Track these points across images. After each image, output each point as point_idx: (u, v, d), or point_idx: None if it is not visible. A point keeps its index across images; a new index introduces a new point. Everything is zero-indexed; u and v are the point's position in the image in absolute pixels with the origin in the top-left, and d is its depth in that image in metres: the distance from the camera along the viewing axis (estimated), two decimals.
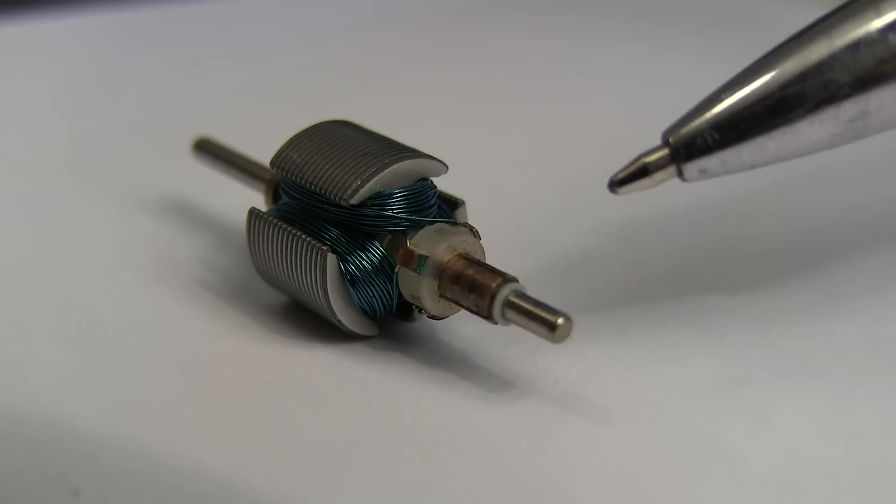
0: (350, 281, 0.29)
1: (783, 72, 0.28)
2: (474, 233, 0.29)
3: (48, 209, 0.39)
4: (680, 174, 0.28)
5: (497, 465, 0.26)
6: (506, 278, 0.27)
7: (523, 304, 0.27)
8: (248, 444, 0.27)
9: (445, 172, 0.30)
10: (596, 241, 0.33)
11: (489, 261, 0.29)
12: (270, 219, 0.30)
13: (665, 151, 0.28)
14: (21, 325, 0.31)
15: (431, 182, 0.30)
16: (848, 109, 0.28)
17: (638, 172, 0.28)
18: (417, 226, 0.29)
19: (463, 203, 0.31)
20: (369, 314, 0.30)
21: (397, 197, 0.29)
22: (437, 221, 0.29)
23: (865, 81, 0.28)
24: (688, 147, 0.28)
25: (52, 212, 0.39)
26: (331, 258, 0.29)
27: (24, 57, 0.54)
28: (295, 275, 0.29)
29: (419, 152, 0.30)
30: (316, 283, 0.29)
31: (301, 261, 0.29)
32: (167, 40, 0.57)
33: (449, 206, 0.30)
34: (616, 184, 0.28)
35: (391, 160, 0.29)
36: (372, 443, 0.27)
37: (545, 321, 0.26)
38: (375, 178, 0.29)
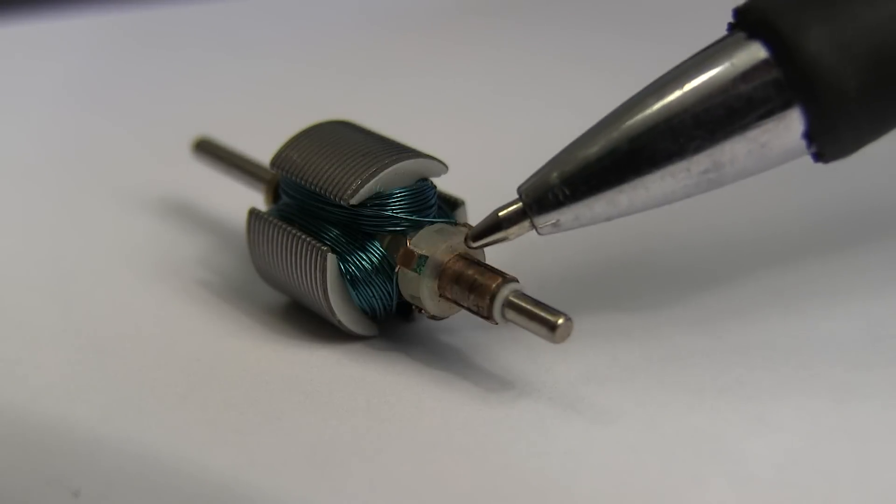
0: (350, 281, 0.29)
1: (632, 125, 0.27)
2: None
3: (48, 209, 0.39)
4: (534, 227, 0.28)
5: (497, 465, 0.26)
6: (506, 278, 0.27)
7: (523, 304, 0.27)
8: (248, 444, 0.27)
9: (445, 172, 0.30)
10: (596, 241, 0.33)
11: (489, 261, 0.29)
12: (270, 219, 0.30)
13: (518, 206, 0.28)
14: (21, 325, 0.32)
15: (431, 182, 0.30)
16: (700, 162, 0.27)
17: (492, 227, 0.28)
18: (417, 226, 0.29)
19: (463, 203, 0.31)
20: (369, 314, 0.30)
21: (397, 197, 0.29)
22: (437, 221, 0.29)
23: (716, 133, 0.27)
24: (539, 202, 0.28)
25: (53, 212, 0.39)
26: (331, 258, 0.29)
27: (25, 57, 0.54)
28: (295, 275, 0.29)
29: (419, 152, 0.30)
30: (316, 283, 0.29)
31: (301, 261, 0.29)
32: (167, 40, 0.57)
33: (449, 206, 0.31)
34: (471, 238, 0.28)
35: (391, 160, 0.29)
36: (372, 443, 0.27)
37: (545, 321, 0.26)
38: (375, 178, 0.29)
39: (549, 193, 0.28)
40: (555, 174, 0.28)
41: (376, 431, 0.27)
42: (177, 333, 0.31)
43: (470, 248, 0.28)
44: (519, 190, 0.28)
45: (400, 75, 0.51)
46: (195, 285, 0.33)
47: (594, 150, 0.27)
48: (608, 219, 0.28)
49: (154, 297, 0.33)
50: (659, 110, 0.27)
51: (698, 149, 0.27)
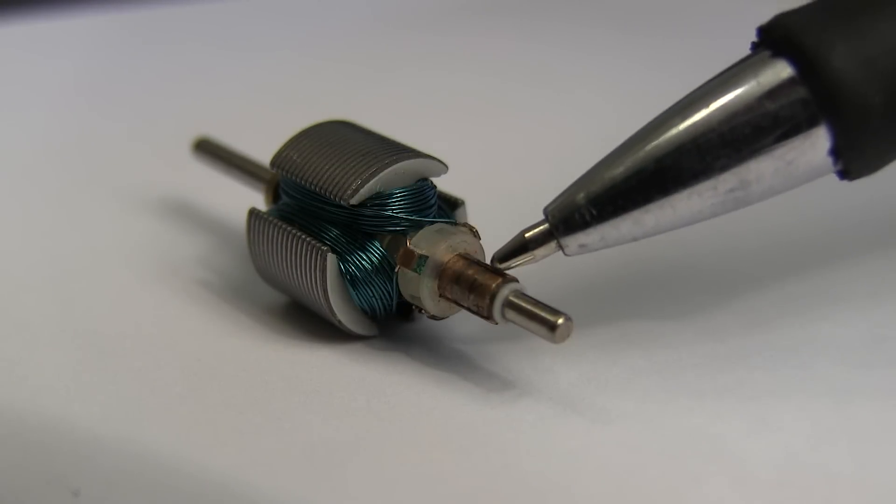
0: (350, 281, 0.29)
1: (658, 144, 0.27)
2: (474, 233, 0.29)
3: (48, 209, 0.39)
4: (560, 248, 0.28)
5: (497, 465, 0.26)
6: (506, 278, 0.27)
7: (523, 304, 0.27)
8: (248, 444, 0.27)
9: (445, 172, 0.30)
10: None
11: (489, 261, 0.29)
12: (270, 219, 0.30)
13: (545, 226, 0.28)
14: (21, 325, 0.32)
15: (431, 182, 0.30)
16: (727, 180, 0.27)
17: (519, 248, 0.28)
18: (417, 226, 0.29)
19: (463, 203, 0.31)
20: (369, 314, 0.30)
21: (397, 197, 0.29)
22: (437, 221, 0.29)
23: (743, 152, 0.27)
24: (566, 223, 0.28)
25: (53, 212, 0.39)
26: (331, 258, 0.29)
27: (24, 57, 0.54)
28: (295, 275, 0.29)
29: (419, 152, 0.30)
30: (316, 283, 0.29)
31: (301, 261, 0.29)
32: (167, 40, 0.57)
33: (449, 206, 0.30)
34: (498, 259, 0.28)
35: (391, 160, 0.29)
36: (372, 443, 0.27)
37: (545, 321, 0.26)
38: (375, 178, 0.29)
39: (575, 214, 0.28)
40: (581, 195, 0.28)
41: (376, 431, 0.27)
42: (177, 333, 0.31)
43: (496, 268, 0.28)
44: (545, 210, 0.28)
45: (400, 75, 0.51)
46: (195, 285, 0.33)
47: (620, 170, 0.27)
48: (634, 239, 0.28)
49: (154, 296, 0.33)
50: (685, 130, 0.27)
51: (725, 167, 0.27)
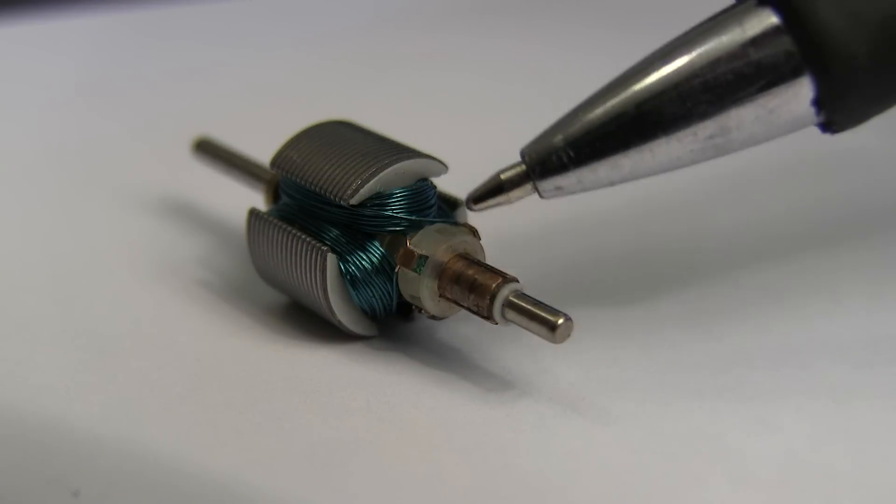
0: (350, 281, 0.29)
1: (640, 89, 0.27)
2: (474, 233, 0.29)
3: (48, 209, 0.39)
4: (537, 191, 0.28)
5: (497, 465, 0.26)
6: (506, 278, 0.27)
7: (523, 304, 0.27)
8: (248, 444, 0.27)
9: (445, 172, 0.30)
10: (596, 241, 0.33)
11: (489, 261, 0.29)
12: (270, 219, 0.30)
13: (521, 168, 0.28)
14: (21, 326, 0.31)
15: (431, 182, 0.30)
16: (707, 127, 0.27)
17: (494, 189, 0.28)
18: (417, 226, 0.29)
19: (463, 203, 0.31)
20: (369, 314, 0.30)
21: (397, 197, 0.29)
22: (437, 221, 0.29)
23: (725, 98, 0.27)
24: (542, 165, 0.28)
25: (53, 212, 0.39)
26: (331, 258, 0.29)
27: (25, 57, 0.54)
28: (295, 275, 0.29)
29: (419, 152, 0.30)
30: (316, 283, 0.29)
31: (301, 261, 0.29)
32: (167, 40, 0.57)
33: (449, 206, 0.30)
34: (472, 200, 0.28)
35: (391, 160, 0.29)
36: (372, 443, 0.27)
37: (545, 321, 0.26)
38: (375, 178, 0.29)
39: (552, 156, 0.27)
40: (559, 136, 0.28)
41: (376, 431, 0.27)
42: (177, 333, 0.31)
43: (470, 209, 0.28)
44: (522, 152, 0.28)
45: (400, 75, 0.51)
46: (195, 285, 0.33)
47: (600, 112, 0.27)
48: (612, 183, 0.28)
49: (153, 297, 0.33)
50: (667, 75, 0.27)
51: (706, 114, 0.27)
